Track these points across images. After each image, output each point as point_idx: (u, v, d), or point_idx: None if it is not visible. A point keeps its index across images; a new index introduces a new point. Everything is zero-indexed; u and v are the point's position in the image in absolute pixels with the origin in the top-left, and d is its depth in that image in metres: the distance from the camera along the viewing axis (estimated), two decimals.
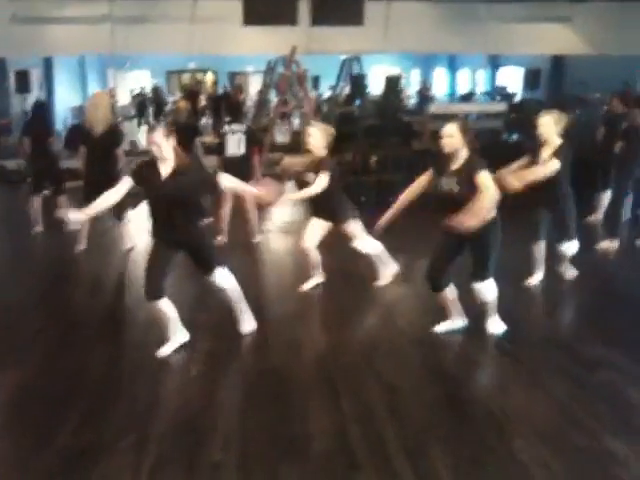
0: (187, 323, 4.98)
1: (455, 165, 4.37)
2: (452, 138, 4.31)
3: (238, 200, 7.27)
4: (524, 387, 3.94)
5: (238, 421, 3.56)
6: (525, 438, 3.36)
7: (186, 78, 23.28)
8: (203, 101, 19.83)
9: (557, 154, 5.28)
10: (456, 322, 4.67)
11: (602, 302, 5.44)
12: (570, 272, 5.70)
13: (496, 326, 4.60)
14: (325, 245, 6.72)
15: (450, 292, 4.58)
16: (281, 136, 15.77)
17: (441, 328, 4.67)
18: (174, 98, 19.39)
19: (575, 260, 6.70)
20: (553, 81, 16.39)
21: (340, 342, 4.64)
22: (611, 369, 4.16)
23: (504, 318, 4.65)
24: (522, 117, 12.73)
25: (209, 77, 23.63)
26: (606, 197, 8.11)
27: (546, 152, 5.35)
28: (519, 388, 3.89)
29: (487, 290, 4.45)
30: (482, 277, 4.41)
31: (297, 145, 14.05)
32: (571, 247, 5.52)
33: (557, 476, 3.05)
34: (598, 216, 8.29)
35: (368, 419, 3.57)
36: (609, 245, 7.07)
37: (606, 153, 7.84)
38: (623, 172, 7.21)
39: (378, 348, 4.52)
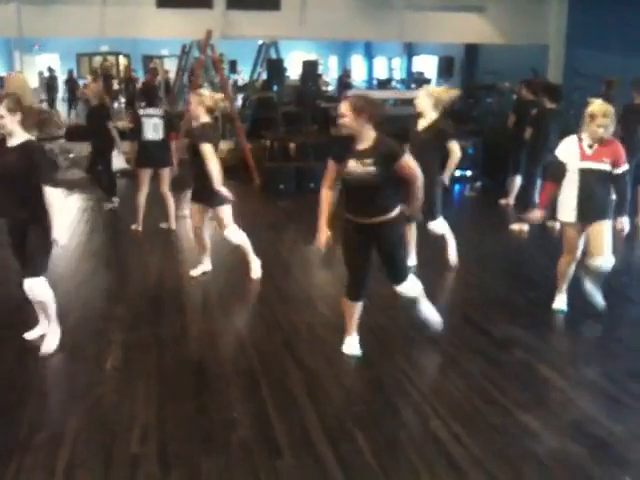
0: (102, 315, 4.86)
1: (362, 145, 3.82)
2: (345, 118, 4.19)
3: (157, 186, 7.12)
4: (440, 368, 4.04)
5: (156, 413, 3.48)
6: (442, 417, 3.44)
7: (97, 61, 22.50)
8: (116, 85, 19.24)
9: (431, 129, 5.55)
10: (355, 338, 4.26)
11: (514, 284, 5.64)
12: (453, 257, 5.85)
13: (433, 315, 4.38)
14: (248, 231, 6.66)
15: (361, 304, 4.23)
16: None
17: (348, 349, 4.22)
18: (85, 82, 18.71)
19: (488, 242, 6.93)
20: (466, 70, 16.79)
21: (260, 329, 4.62)
22: (522, 348, 4.32)
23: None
24: None
25: (122, 60, 22.93)
26: (517, 181, 8.40)
27: (421, 124, 5.64)
28: (436, 369, 3.99)
29: (411, 288, 4.14)
30: (401, 279, 4.07)
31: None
32: (437, 226, 5.69)
33: (474, 453, 3.14)
34: (510, 200, 8.59)
35: (289, 406, 3.57)
36: (520, 227, 7.36)
37: (516, 139, 8.11)
38: (533, 157, 7.47)
39: (298, 334, 4.53)
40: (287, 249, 6.73)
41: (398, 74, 21.73)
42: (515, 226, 7.41)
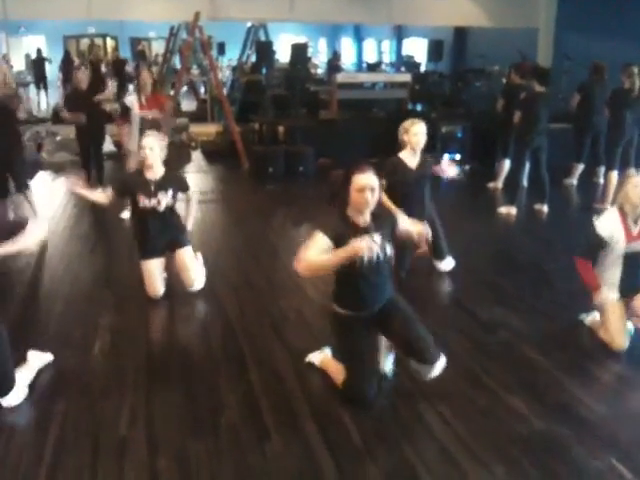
0: (88, 298, 4.85)
1: (363, 219, 3.29)
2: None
3: None
4: None
5: (144, 397, 3.49)
6: (428, 399, 3.47)
7: (85, 43, 22.24)
8: (104, 68, 19.04)
9: (423, 165, 5.05)
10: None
11: (500, 267, 5.67)
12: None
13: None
14: (236, 216, 6.70)
15: None
16: (187, 104, 15.43)
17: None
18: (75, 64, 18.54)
19: (476, 226, 6.95)
20: (456, 53, 16.77)
21: (248, 313, 4.62)
22: (508, 330, 4.35)
23: (407, 283, 4.74)
24: (426, 88, 12.98)
25: (109, 43, 22.70)
26: (506, 165, 8.42)
27: (412, 162, 5.02)
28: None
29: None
30: (436, 354, 3.37)
31: (204, 113, 13.82)
32: (447, 265, 5.43)
33: (460, 435, 3.17)
34: (498, 183, 8.61)
35: (277, 389, 3.58)
36: (508, 211, 7.39)
37: (505, 123, 8.11)
38: (521, 141, 7.48)
39: (287, 319, 4.54)
40: (276, 233, 6.73)
41: (387, 57, 21.67)
42: (503, 209, 7.43)
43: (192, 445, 3.07)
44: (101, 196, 4.77)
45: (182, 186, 4.90)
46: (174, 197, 4.76)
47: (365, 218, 3.28)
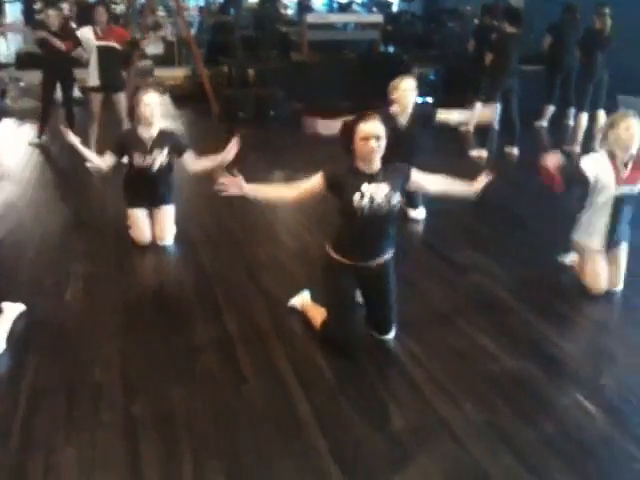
0: (59, 246, 4.79)
1: (372, 167, 3.25)
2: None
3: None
4: (400, 293, 4.10)
5: (119, 343, 3.49)
6: (402, 341, 3.53)
7: None
8: (67, 10, 18.31)
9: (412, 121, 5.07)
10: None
11: (473, 210, 5.70)
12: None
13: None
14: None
15: None
16: (153, 47, 15.00)
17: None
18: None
19: (447, 168, 6.96)
20: None
21: (223, 260, 4.61)
22: (481, 273, 4.42)
23: None
24: (398, 29, 12.78)
25: None
26: (477, 108, 8.38)
27: (402, 121, 5.01)
28: (396, 295, 4.04)
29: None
30: (391, 326, 3.52)
31: (170, 56, 13.47)
32: (419, 214, 5.46)
33: (433, 375, 3.23)
34: (469, 127, 8.59)
35: (252, 334, 3.61)
36: (479, 154, 7.40)
37: (476, 64, 8.05)
38: (493, 83, 7.44)
39: (262, 265, 4.54)
40: (249, 179, 6.64)
41: None
42: (474, 152, 7.45)
43: (168, 390, 3.09)
44: (102, 163, 4.76)
45: (179, 147, 4.76)
46: (169, 155, 4.72)
47: (373, 167, 3.21)
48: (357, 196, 3.18)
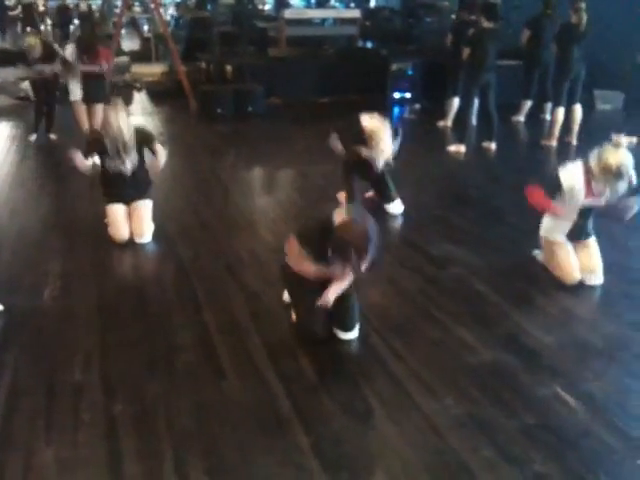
0: (36, 244, 4.74)
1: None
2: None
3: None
4: (379, 286, 4.12)
5: (98, 341, 3.47)
6: (381, 334, 3.55)
7: None
8: (42, 6, 18.10)
9: None
10: None
11: (451, 204, 5.74)
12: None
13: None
14: (186, 158, 6.57)
15: None
16: (130, 43, 14.89)
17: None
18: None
19: (426, 163, 7.00)
20: None
21: (202, 255, 4.60)
22: (459, 265, 4.45)
23: None
24: (376, 24, 12.80)
25: None
26: (455, 103, 8.43)
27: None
28: (374, 288, 4.05)
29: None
30: (354, 325, 3.53)
31: (147, 52, 13.36)
32: (396, 207, 5.50)
33: (412, 367, 3.25)
34: (447, 122, 8.64)
35: (232, 328, 3.60)
36: (457, 149, 7.44)
37: (454, 60, 8.08)
38: (470, 78, 7.48)
39: (241, 259, 4.53)
40: (227, 174, 6.65)
41: None
42: (452, 147, 7.48)
43: (148, 388, 3.08)
44: (87, 168, 4.81)
45: (147, 140, 4.83)
46: (140, 154, 4.75)
47: None
48: None
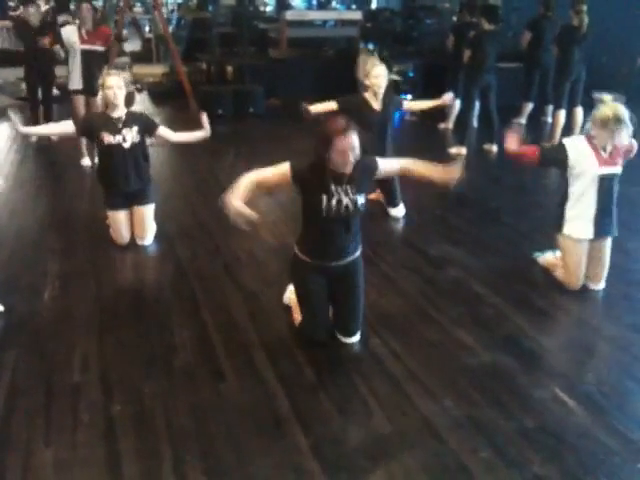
0: (35, 244, 4.74)
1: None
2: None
3: None
4: (378, 288, 4.12)
5: (97, 341, 3.46)
6: (380, 335, 3.54)
7: None
8: (44, 6, 18.07)
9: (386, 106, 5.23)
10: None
11: (451, 206, 5.73)
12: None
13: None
14: (185, 158, 6.58)
15: None
16: (131, 44, 14.89)
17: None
18: None
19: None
20: None
21: (200, 255, 4.59)
22: (457, 266, 4.44)
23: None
24: (377, 26, 12.79)
25: None
26: (456, 105, 8.43)
27: (375, 105, 5.15)
28: (373, 289, 4.04)
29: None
30: (357, 329, 3.49)
31: (148, 53, 13.37)
32: (400, 211, 5.47)
33: (412, 370, 3.25)
34: (448, 124, 8.64)
35: (230, 328, 3.60)
36: (458, 151, 7.43)
37: (455, 61, 8.08)
38: (471, 80, 7.48)
39: (239, 259, 4.53)
40: (226, 175, 6.61)
41: None
42: (453, 149, 7.48)
43: (147, 388, 3.07)
44: (65, 126, 4.72)
45: (148, 125, 4.77)
46: (140, 134, 4.67)
47: (345, 171, 3.13)
48: (324, 197, 3.15)
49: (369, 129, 4.81)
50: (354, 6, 16.68)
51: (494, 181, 6.52)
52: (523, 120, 8.98)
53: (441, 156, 7.34)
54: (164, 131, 4.86)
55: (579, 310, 3.95)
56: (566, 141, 4.02)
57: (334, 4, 18.50)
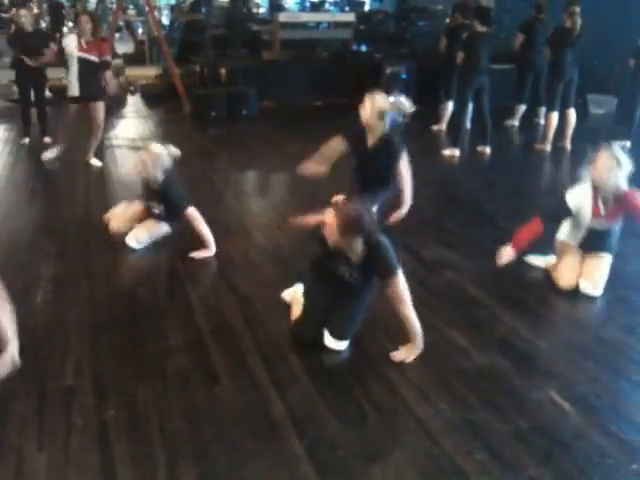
0: (29, 248, 4.72)
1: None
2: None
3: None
4: None
5: (90, 345, 3.45)
6: (374, 338, 3.54)
7: None
8: (36, 9, 18.03)
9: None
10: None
11: (444, 208, 5.75)
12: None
13: None
14: (179, 160, 6.51)
15: None
16: (124, 46, 14.86)
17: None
18: None
19: (420, 168, 6.99)
20: None
21: (193, 259, 4.57)
22: (451, 269, 4.44)
23: None
24: (370, 28, 12.82)
25: None
26: (449, 107, 8.45)
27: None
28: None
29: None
30: (346, 334, 3.47)
31: (141, 55, 13.35)
32: None
33: (406, 371, 3.25)
34: (441, 126, 8.65)
35: (225, 333, 3.59)
36: (451, 153, 7.45)
37: (448, 63, 8.10)
38: (464, 82, 7.49)
39: (233, 262, 4.52)
40: (220, 177, 6.64)
41: None
42: (447, 152, 7.49)
43: (141, 392, 3.05)
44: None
45: (178, 204, 4.72)
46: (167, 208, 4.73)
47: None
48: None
49: (367, 164, 4.74)
50: (347, 8, 16.71)
51: (488, 183, 6.53)
52: (516, 122, 9.00)
53: (434, 158, 7.37)
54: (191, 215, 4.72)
55: (574, 312, 3.96)
56: (568, 196, 4.06)
57: (327, 6, 18.53)
